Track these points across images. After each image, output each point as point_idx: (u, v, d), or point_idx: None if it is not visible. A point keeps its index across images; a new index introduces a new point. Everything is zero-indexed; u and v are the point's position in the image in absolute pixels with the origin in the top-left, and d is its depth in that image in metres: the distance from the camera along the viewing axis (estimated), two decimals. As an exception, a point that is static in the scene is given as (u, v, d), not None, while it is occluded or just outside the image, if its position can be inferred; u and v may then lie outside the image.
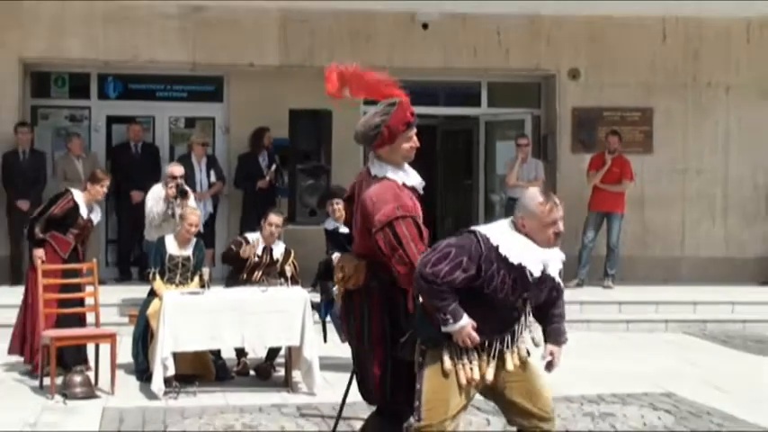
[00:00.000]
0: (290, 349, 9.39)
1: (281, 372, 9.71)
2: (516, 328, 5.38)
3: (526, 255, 5.25)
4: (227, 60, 15.08)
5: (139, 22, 14.72)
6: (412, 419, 5.39)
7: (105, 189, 9.93)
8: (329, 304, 9.82)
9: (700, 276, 15.21)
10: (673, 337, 12.68)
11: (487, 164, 16.37)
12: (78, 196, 9.77)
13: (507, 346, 5.37)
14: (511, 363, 5.37)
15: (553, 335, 5.62)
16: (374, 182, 5.85)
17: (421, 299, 5.36)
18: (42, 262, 9.48)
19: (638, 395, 9.14)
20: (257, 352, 9.98)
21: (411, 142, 5.89)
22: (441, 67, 15.21)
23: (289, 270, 10.13)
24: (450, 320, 5.21)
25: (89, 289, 9.78)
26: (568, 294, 13.81)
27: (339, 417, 7.09)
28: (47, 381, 8.98)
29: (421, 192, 5.97)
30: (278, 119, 14.72)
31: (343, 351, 8.79)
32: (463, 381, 5.27)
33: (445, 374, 5.28)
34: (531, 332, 5.53)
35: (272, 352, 9.86)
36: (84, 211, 9.74)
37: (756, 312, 13.54)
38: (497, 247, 5.22)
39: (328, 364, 9.57)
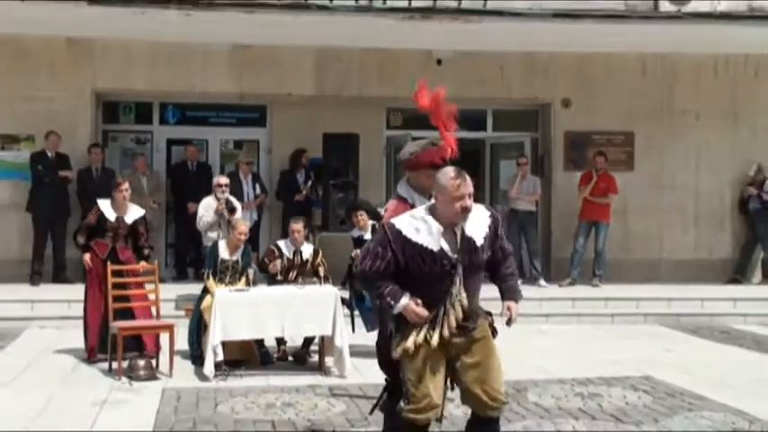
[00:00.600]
0: (323, 338, 9.38)
1: (316, 357, 9.69)
2: (453, 290, 5.13)
3: (423, 234, 5.10)
4: (269, 91, 15.08)
5: (195, 59, 14.73)
6: (402, 403, 5.31)
7: (125, 193, 9.76)
8: (358, 299, 9.82)
9: (674, 276, 15.13)
10: (651, 328, 12.62)
11: (492, 179, 16.34)
12: (104, 205, 9.77)
13: (447, 309, 5.13)
14: (453, 321, 5.12)
15: (509, 292, 5.39)
16: (394, 197, 5.97)
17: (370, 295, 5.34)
18: (90, 262, 9.62)
19: (621, 378, 9.09)
20: (295, 340, 9.97)
21: (431, 180, 5.78)
22: (452, 97, 14.71)
23: (322, 270, 10.15)
24: (392, 302, 5.14)
25: (151, 287, 9.76)
26: (562, 292, 13.99)
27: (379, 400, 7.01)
28: (112, 365, 9.08)
29: None
30: (313, 141, 14.78)
31: (370, 340, 8.82)
32: (420, 341, 5.11)
33: (409, 357, 5.16)
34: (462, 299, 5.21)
35: (308, 340, 9.85)
36: (111, 216, 9.68)
37: (722, 307, 13.47)
38: (400, 231, 5.14)
39: (357, 351, 9.54)
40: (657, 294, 13.74)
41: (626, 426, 7.30)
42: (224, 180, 11.77)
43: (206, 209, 11.46)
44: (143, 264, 9.90)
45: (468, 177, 5.15)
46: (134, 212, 9.90)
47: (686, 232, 15.79)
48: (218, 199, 11.42)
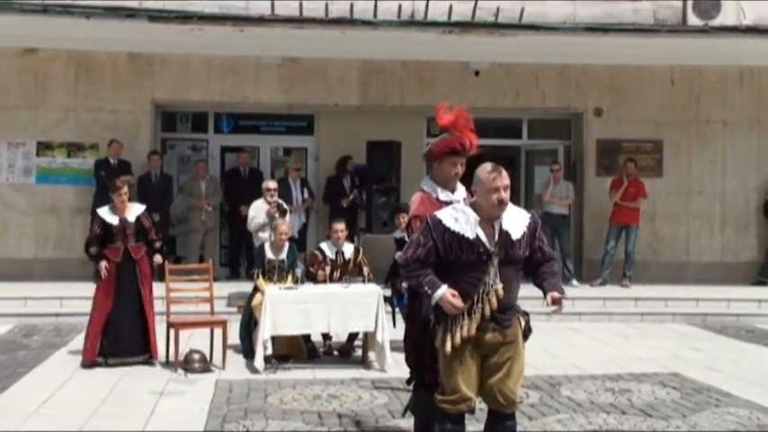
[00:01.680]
0: (366, 334, 9.36)
1: (359, 352, 9.68)
2: (487, 279, 5.08)
3: (461, 223, 5.09)
4: (317, 101, 15.11)
5: (248, 72, 14.82)
6: (436, 394, 5.32)
7: (124, 196, 9.24)
8: (399, 297, 9.79)
9: (701, 278, 14.97)
10: (679, 327, 12.45)
11: (527, 185, 16.27)
12: (103, 212, 9.35)
13: (481, 299, 5.07)
14: (488, 309, 5.05)
15: (549, 286, 5.23)
16: (418, 191, 5.95)
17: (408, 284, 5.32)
18: (106, 270, 9.18)
19: (650, 375, 8.99)
20: (340, 336, 9.94)
21: (454, 168, 5.83)
22: (489, 107, 15.10)
23: (366, 270, 10.10)
24: (429, 291, 5.11)
25: (205, 285, 9.77)
26: (594, 292, 13.82)
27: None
28: (169, 358, 9.11)
29: None
30: (357, 148, 14.80)
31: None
32: (457, 341, 5.08)
33: (445, 349, 5.12)
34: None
35: (352, 336, 9.83)
36: (113, 220, 9.27)
37: (747, 308, 13.27)
38: (440, 220, 5.14)
39: (397, 347, 9.47)
40: (685, 295, 13.54)
41: (655, 420, 7.19)
42: (272, 184, 11.81)
43: (256, 211, 11.48)
44: (157, 258, 9.46)
45: (504, 171, 5.12)
46: (135, 210, 9.45)
47: (713, 236, 15.60)
48: (268, 202, 11.43)
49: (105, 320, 9.18)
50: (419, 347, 5.74)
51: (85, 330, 9.38)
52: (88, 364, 9.07)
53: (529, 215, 5.32)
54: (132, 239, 9.35)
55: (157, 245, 9.57)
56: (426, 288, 5.13)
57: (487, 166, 5.14)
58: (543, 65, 15.08)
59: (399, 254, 10.17)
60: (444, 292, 5.08)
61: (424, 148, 15.07)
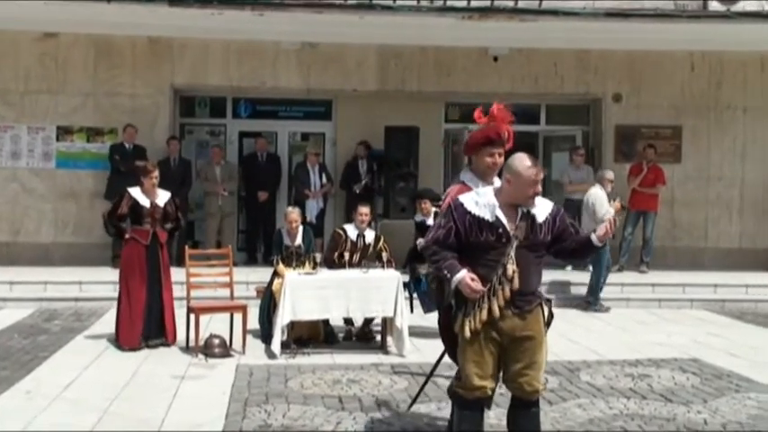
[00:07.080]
0: (384, 319, 9.39)
1: (379, 337, 9.71)
2: (504, 261, 5.06)
3: (481, 206, 5.12)
4: (335, 87, 15.11)
5: (266, 57, 14.83)
6: (453, 380, 5.34)
7: (154, 180, 9.34)
8: (417, 282, 9.81)
9: (719, 264, 14.92)
10: (697, 313, 12.44)
11: (545, 171, 16.24)
12: (135, 192, 9.38)
13: (499, 280, 5.07)
14: (502, 297, 5.05)
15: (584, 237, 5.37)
16: (457, 182, 5.88)
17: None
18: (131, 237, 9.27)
19: (670, 360, 8.99)
20: (358, 321, 9.98)
21: (491, 158, 5.73)
22: (508, 92, 15.04)
23: (385, 255, 10.11)
24: (449, 275, 5.10)
25: (224, 269, 9.79)
26: (612, 278, 13.78)
27: (429, 376, 7.12)
28: (189, 343, 9.16)
29: None
30: (376, 134, 14.80)
31: (428, 321, 8.79)
32: (477, 325, 5.09)
33: (464, 333, 5.14)
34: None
35: (368, 319, 9.84)
36: (145, 202, 9.34)
37: (766, 293, 13.22)
38: (462, 204, 5.17)
39: (415, 332, 9.57)
40: (703, 281, 13.49)
41: (675, 405, 7.21)
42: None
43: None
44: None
45: (539, 164, 5.17)
46: (163, 195, 9.55)
47: (731, 222, 15.56)
48: None
49: (144, 306, 9.28)
50: (448, 334, 5.73)
51: (118, 316, 9.39)
52: (129, 349, 9.14)
53: (551, 204, 5.33)
54: (159, 225, 9.44)
55: (168, 225, 9.61)
56: (446, 272, 5.13)
57: (525, 159, 5.12)
58: (562, 50, 15.04)
59: (421, 240, 10.24)
60: (464, 275, 5.07)
61: (442, 133, 15.28)
